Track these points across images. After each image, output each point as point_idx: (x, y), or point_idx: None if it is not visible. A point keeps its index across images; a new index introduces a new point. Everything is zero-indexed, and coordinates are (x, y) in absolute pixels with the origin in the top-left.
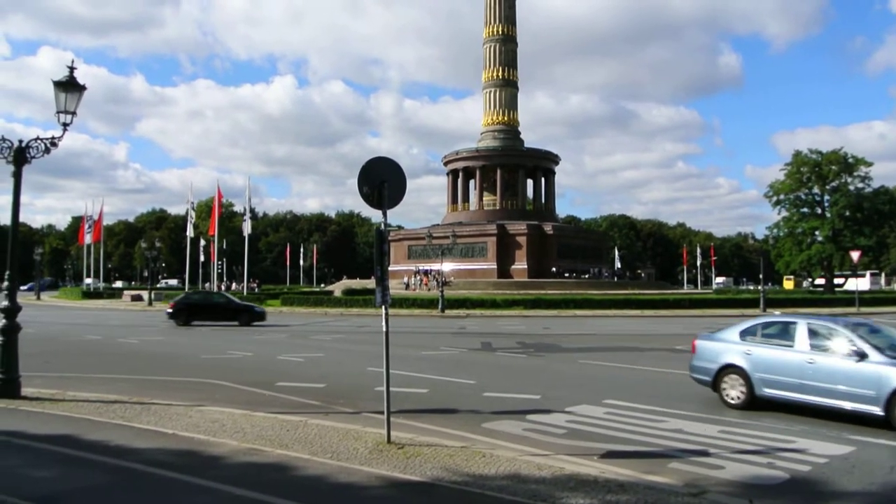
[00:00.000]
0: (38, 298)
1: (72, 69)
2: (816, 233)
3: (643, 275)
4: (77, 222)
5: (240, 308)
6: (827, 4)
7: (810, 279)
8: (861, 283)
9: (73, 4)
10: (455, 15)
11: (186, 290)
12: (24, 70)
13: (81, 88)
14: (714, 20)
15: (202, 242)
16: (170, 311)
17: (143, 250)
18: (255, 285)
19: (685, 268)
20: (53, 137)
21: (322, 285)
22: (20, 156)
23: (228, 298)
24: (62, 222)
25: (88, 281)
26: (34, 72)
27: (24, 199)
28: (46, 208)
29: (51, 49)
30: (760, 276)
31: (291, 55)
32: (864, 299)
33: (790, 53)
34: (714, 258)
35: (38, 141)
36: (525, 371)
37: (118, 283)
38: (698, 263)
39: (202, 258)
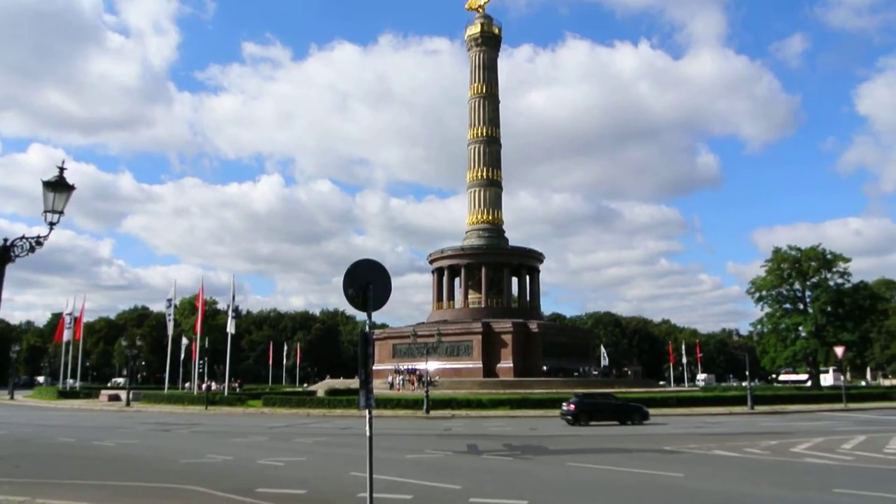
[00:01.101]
0: (12, 398)
1: (62, 169)
2: (800, 328)
3: (630, 373)
4: (57, 319)
5: None
6: (798, 107)
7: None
8: (826, 379)
9: (65, 103)
10: (440, 116)
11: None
12: (13, 166)
13: (70, 188)
14: (691, 122)
15: (184, 341)
16: None
17: (124, 348)
18: (238, 385)
19: (671, 365)
20: (39, 237)
21: (305, 385)
22: (4, 255)
23: None
24: (41, 319)
25: (71, 382)
26: (23, 168)
27: (3, 294)
28: (26, 304)
29: (41, 146)
30: (746, 373)
31: (279, 154)
32: (851, 395)
33: (766, 153)
34: (700, 355)
35: (24, 240)
36: (512, 475)
37: (114, 381)
38: (684, 361)
39: (183, 356)
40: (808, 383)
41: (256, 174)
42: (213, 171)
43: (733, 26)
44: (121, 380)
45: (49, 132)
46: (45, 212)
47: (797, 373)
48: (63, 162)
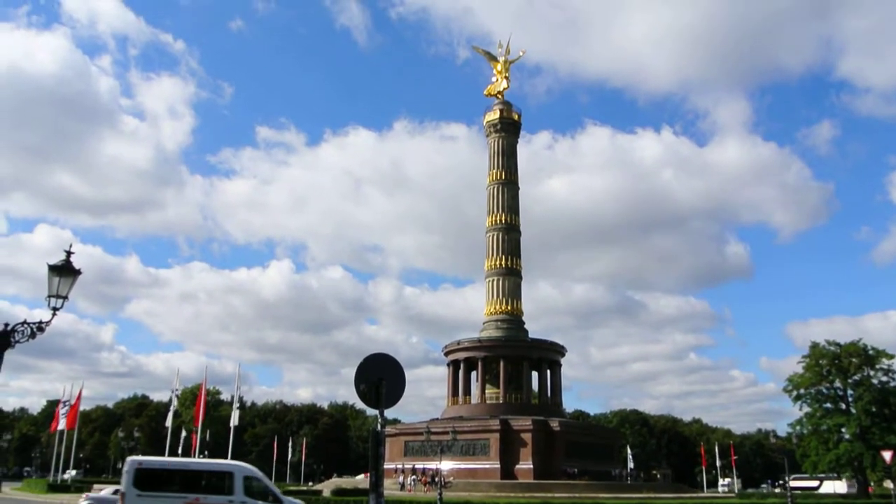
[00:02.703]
0: None
1: (69, 253)
2: (843, 430)
3: (658, 476)
4: (52, 406)
5: None
6: (831, 195)
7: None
8: (838, 487)
9: (76, 185)
10: (457, 203)
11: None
12: (17, 247)
13: (76, 273)
14: (719, 210)
15: (183, 433)
16: None
17: (120, 440)
18: None
19: (704, 468)
20: (41, 322)
21: (310, 483)
22: (3, 340)
23: None
24: (36, 406)
25: (73, 473)
26: (27, 249)
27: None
28: (21, 390)
29: (48, 227)
30: (786, 478)
31: (290, 240)
32: None
33: (798, 243)
34: (734, 458)
35: (25, 325)
36: None
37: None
38: (717, 463)
39: (181, 450)
40: (820, 489)
41: (266, 260)
42: (221, 256)
43: (759, 114)
44: (73, 472)
45: (57, 213)
46: (49, 296)
47: (811, 478)
48: (70, 245)
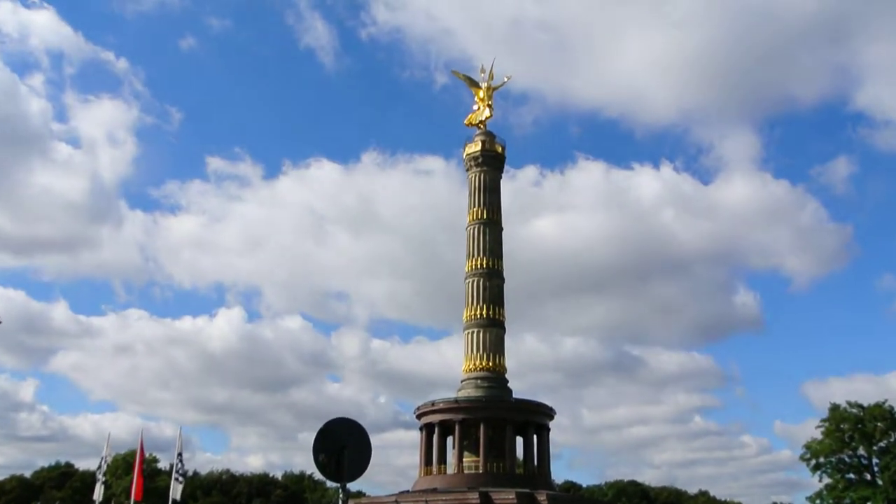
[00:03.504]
0: None
1: None
2: None
3: None
4: None
5: None
6: (849, 239)
7: None
8: None
9: None
10: (432, 245)
11: None
12: None
13: None
14: (726, 255)
15: None
16: None
17: None
18: None
19: None
20: None
21: None
22: None
23: None
24: None
25: None
26: None
27: None
28: None
29: None
30: None
31: (243, 285)
32: None
33: (814, 291)
34: None
35: None
36: None
37: None
38: None
39: None
40: None
41: (214, 307)
42: (163, 303)
43: (769, 148)
44: None
45: None
46: None
47: None
48: None
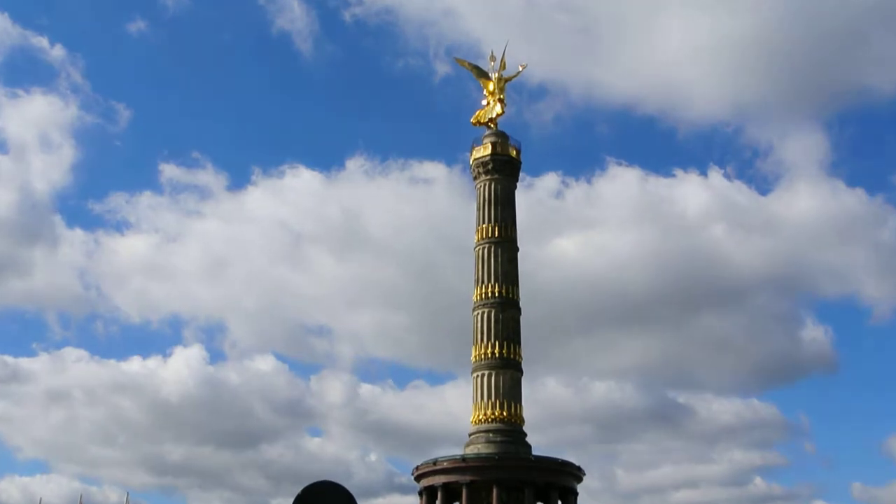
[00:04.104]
0: None
1: None
2: None
3: None
4: None
5: None
6: None
7: None
8: None
9: None
10: (432, 269)
11: None
12: None
13: None
14: (790, 280)
15: None
16: None
17: None
18: None
19: None
20: None
21: None
22: None
23: None
24: None
25: None
26: None
27: None
28: None
29: None
30: None
31: (204, 318)
32: None
33: None
34: None
35: None
36: None
37: None
38: None
39: None
40: None
41: (169, 345)
42: (107, 340)
43: (839, 150)
44: None
45: None
46: None
47: None
48: None
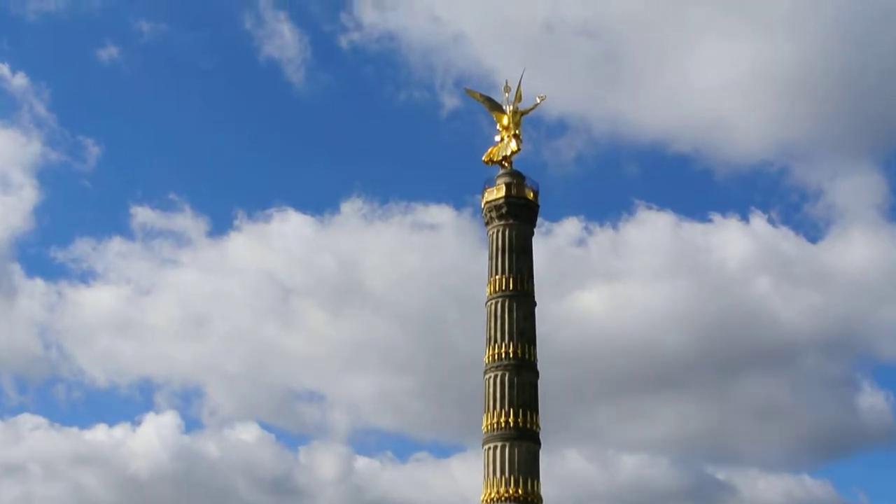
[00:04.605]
0: None
1: None
2: None
3: None
4: None
5: None
6: None
7: None
8: None
9: None
10: (438, 326)
11: None
12: None
13: None
14: (845, 340)
15: None
16: None
17: None
18: None
19: None
20: None
21: None
22: None
23: None
24: None
25: None
26: None
27: None
28: None
29: None
30: None
31: (179, 382)
32: None
33: None
34: None
35: None
36: None
37: None
38: None
39: None
40: None
41: (139, 412)
42: (70, 406)
43: None
44: None
45: None
46: None
47: None
48: None
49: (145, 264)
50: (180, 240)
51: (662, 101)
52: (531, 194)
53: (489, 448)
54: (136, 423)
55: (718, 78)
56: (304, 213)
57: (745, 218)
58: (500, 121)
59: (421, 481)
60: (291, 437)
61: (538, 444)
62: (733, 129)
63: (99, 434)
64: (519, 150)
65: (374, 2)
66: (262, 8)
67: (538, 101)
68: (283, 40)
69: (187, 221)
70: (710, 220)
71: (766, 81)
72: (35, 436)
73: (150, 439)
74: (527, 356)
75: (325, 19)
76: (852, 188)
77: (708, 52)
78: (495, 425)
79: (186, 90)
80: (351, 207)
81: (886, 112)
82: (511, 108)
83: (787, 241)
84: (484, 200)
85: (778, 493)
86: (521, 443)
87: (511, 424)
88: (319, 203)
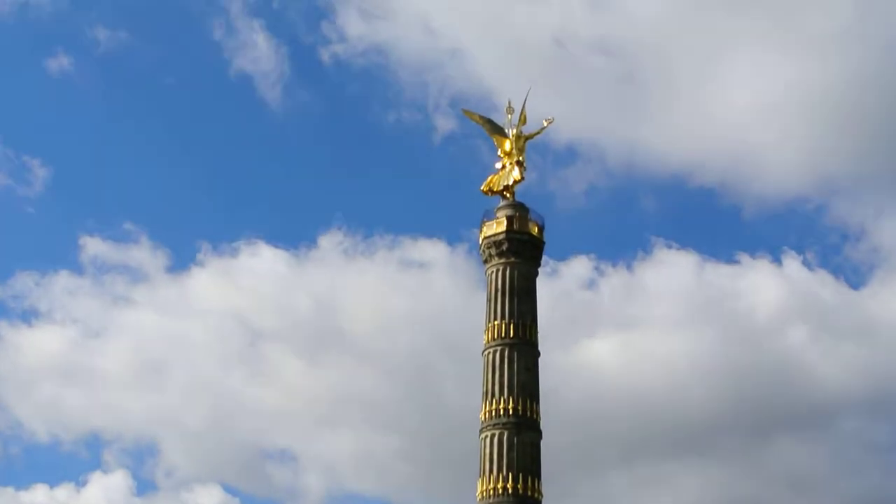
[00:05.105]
0: None
1: None
2: None
3: None
4: None
5: None
6: None
7: None
8: None
9: None
10: (427, 378)
11: None
12: None
13: None
14: (890, 401)
15: None
16: None
17: None
18: None
19: None
20: None
21: None
22: None
23: None
24: None
25: None
26: None
27: None
28: None
29: None
30: None
31: (131, 437)
32: None
33: None
34: None
35: None
36: None
37: None
38: None
39: None
40: None
41: (85, 470)
42: (6, 464)
43: None
44: None
45: None
46: None
47: None
48: None
49: (95, 303)
50: (136, 275)
51: (686, 126)
52: (536, 229)
53: None
54: (82, 484)
55: (749, 102)
56: (277, 246)
57: (777, 260)
58: (501, 146)
59: None
60: (259, 502)
61: None
62: (765, 159)
63: (38, 496)
64: (522, 179)
65: (361, 10)
66: (234, 16)
67: (545, 124)
68: (257, 52)
69: (144, 255)
70: (737, 262)
71: (805, 106)
72: None
73: (97, 502)
74: (528, 413)
75: (305, 29)
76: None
77: (739, 71)
78: (491, 492)
79: (146, 107)
80: (330, 241)
81: None
82: (514, 131)
83: (825, 286)
84: (482, 235)
85: None
86: None
87: (510, 491)
88: (294, 236)
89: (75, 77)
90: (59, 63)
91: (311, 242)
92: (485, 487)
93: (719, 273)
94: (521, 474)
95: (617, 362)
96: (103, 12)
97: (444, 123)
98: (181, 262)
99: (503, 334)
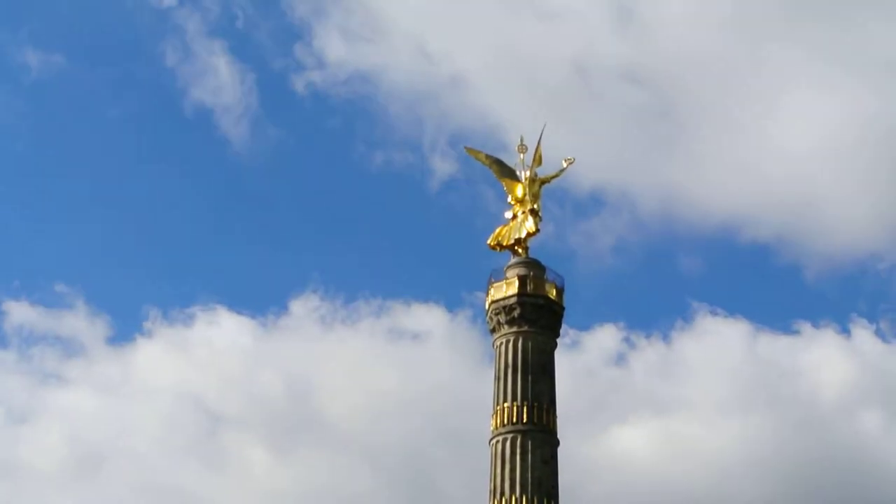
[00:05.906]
0: None
1: None
2: None
3: None
4: None
5: None
6: None
7: None
8: None
9: None
10: (424, 472)
11: None
12: None
13: None
14: None
15: None
16: None
17: None
18: None
19: None
20: None
21: None
22: None
23: None
24: None
25: None
26: None
27: None
28: None
29: None
30: None
31: None
32: None
33: None
34: None
35: None
36: None
37: None
38: None
39: None
40: None
41: None
42: None
43: None
44: None
45: None
46: None
47: None
48: None
49: (21, 381)
50: (70, 348)
51: (732, 170)
52: (554, 292)
53: None
54: None
55: (809, 141)
56: (241, 313)
57: (845, 330)
58: (512, 192)
59: None
60: None
61: None
62: (828, 210)
63: None
64: (538, 231)
65: (343, 31)
66: (191, 36)
67: (564, 165)
68: (219, 80)
69: (80, 323)
70: (796, 332)
71: (873, 147)
72: None
73: None
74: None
75: (276, 53)
76: None
77: (791, 108)
78: None
79: (85, 146)
80: (304, 307)
81: None
82: (527, 174)
83: None
84: (489, 299)
85: None
86: None
87: None
88: (261, 300)
89: (1, 109)
90: None
91: (282, 308)
92: None
93: (776, 346)
94: None
95: (651, 453)
96: (37, 34)
97: (443, 165)
98: (124, 332)
99: (515, 419)
